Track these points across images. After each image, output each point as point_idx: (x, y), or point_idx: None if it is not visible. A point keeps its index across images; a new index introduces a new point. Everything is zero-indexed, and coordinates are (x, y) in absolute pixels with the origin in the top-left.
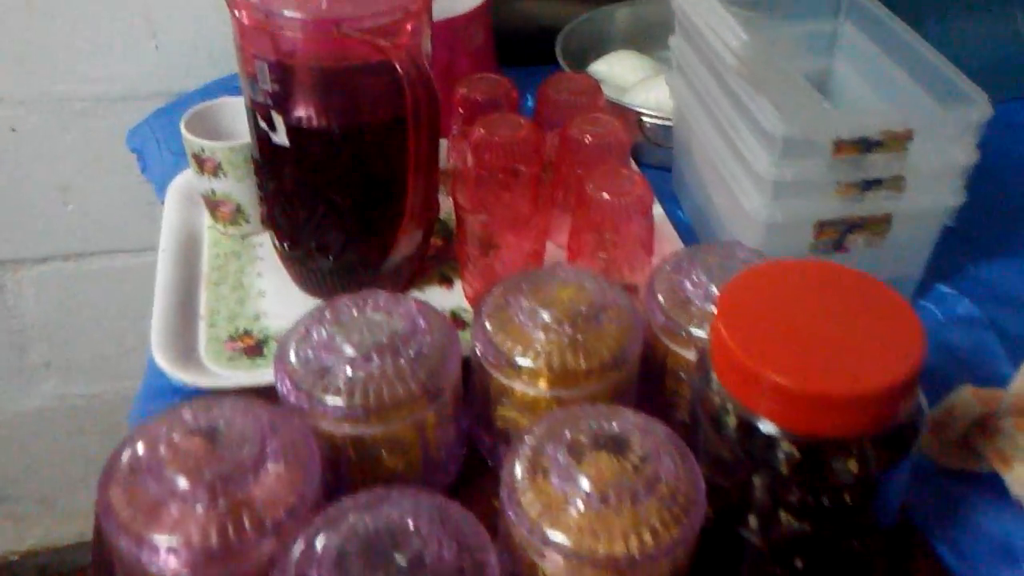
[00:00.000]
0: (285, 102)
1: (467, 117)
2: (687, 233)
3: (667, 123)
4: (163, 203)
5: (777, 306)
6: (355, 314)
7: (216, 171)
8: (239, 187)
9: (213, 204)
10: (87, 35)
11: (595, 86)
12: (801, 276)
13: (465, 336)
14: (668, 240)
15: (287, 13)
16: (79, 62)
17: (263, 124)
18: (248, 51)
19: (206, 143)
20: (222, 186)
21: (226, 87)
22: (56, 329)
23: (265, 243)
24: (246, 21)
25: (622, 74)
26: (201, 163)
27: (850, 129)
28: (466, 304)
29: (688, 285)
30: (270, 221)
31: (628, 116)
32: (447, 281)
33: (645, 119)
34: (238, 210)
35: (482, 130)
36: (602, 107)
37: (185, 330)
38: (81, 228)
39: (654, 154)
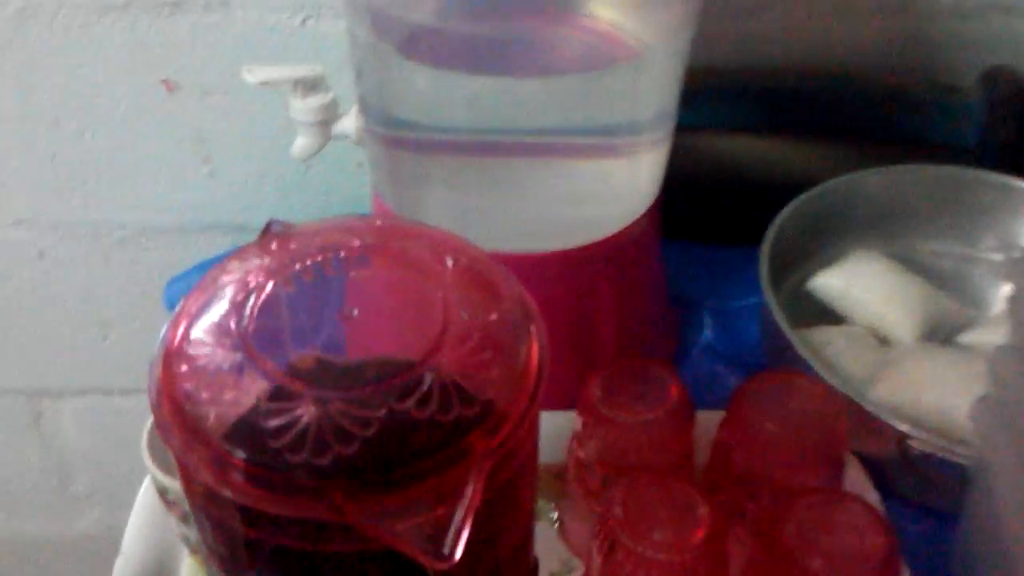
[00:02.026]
0: None
1: (603, 435)
2: None
3: (953, 458)
4: None
5: None
6: None
7: (188, 519)
8: None
9: (189, 547)
10: (125, 154)
11: (839, 408)
12: None
13: None
14: None
15: (235, 475)
16: (116, 185)
17: None
18: (189, 484)
19: (172, 484)
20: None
21: None
22: (98, 461)
23: None
24: (176, 443)
25: (867, 303)
26: (168, 505)
27: None
28: None
29: None
30: None
31: (884, 432)
32: None
33: (913, 443)
34: None
35: (619, 510)
36: (845, 440)
37: None
38: (122, 364)
39: (915, 487)
